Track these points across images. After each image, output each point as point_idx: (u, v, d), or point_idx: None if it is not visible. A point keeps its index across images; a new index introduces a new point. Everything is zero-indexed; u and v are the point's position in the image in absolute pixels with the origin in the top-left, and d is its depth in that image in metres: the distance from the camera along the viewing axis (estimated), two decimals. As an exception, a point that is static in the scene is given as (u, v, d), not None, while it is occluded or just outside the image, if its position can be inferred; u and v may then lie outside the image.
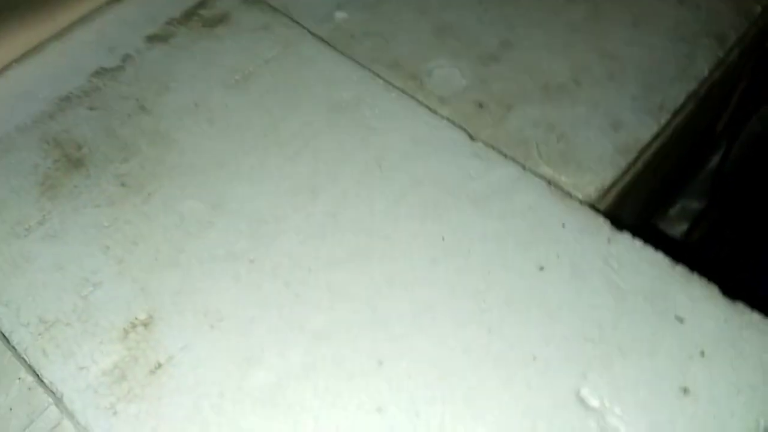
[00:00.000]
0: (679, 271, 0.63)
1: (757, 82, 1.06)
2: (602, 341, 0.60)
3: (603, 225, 0.66)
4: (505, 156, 0.71)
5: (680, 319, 0.60)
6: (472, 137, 0.72)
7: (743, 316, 0.60)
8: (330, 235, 0.66)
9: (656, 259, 0.64)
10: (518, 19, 0.86)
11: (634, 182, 0.76)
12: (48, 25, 0.79)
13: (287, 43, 0.79)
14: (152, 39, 0.80)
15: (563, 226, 0.66)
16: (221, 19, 0.82)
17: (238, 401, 0.58)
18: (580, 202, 0.68)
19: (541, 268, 0.64)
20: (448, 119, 0.73)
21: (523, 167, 0.70)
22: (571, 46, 0.83)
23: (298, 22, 0.82)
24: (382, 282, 0.63)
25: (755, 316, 0.60)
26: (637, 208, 0.89)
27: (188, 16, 0.82)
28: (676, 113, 0.78)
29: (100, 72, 0.78)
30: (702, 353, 0.59)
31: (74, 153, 0.72)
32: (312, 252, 0.65)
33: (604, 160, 0.73)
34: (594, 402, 0.57)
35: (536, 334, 0.60)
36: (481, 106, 0.77)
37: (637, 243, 0.65)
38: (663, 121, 0.76)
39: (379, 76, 0.77)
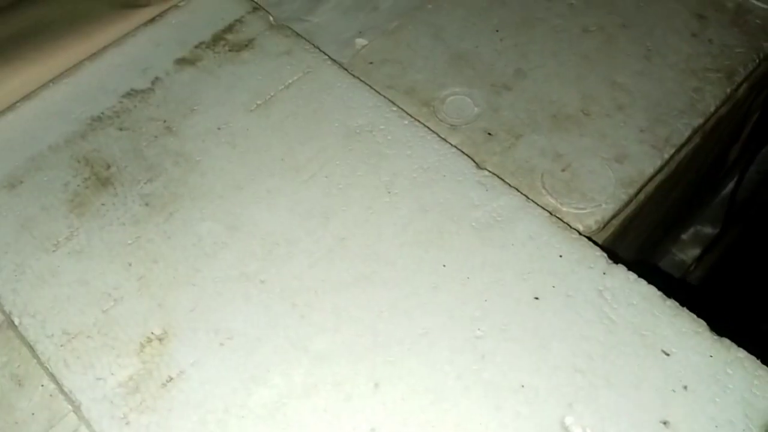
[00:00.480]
0: (669, 305, 0.65)
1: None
2: (590, 372, 0.62)
3: (599, 257, 0.68)
4: (509, 185, 0.73)
5: (667, 353, 0.62)
6: (478, 165, 0.75)
7: (729, 352, 0.62)
8: (338, 259, 0.70)
9: (648, 292, 0.66)
10: (533, 48, 0.88)
11: (636, 214, 0.77)
12: (83, 46, 0.83)
13: (308, 68, 0.83)
14: (181, 62, 0.84)
15: (561, 257, 0.68)
16: (247, 44, 0.85)
17: (241, 417, 0.62)
18: (579, 233, 0.70)
19: (537, 298, 0.66)
20: (456, 147, 0.76)
21: (527, 197, 0.72)
22: (583, 76, 0.85)
23: (318, 48, 0.85)
24: (385, 306, 0.67)
25: (740, 353, 0.62)
26: (642, 237, 0.91)
27: (216, 40, 0.86)
28: (681, 147, 0.79)
29: (131, 93, 0.82)
30: (685, 387, 0.61)
31: (103, 172, 0.76)
32: (320, 275, 0.69)
33: (607, 192, 0.75)
34: (577, 431, 0.59)
35: (527, 363, 0.63)
36: (490, 134, 0.80)
37: (631, 276, 0.67)
38: (667, 155, 0.78)
39: (393, 103, 0.80)
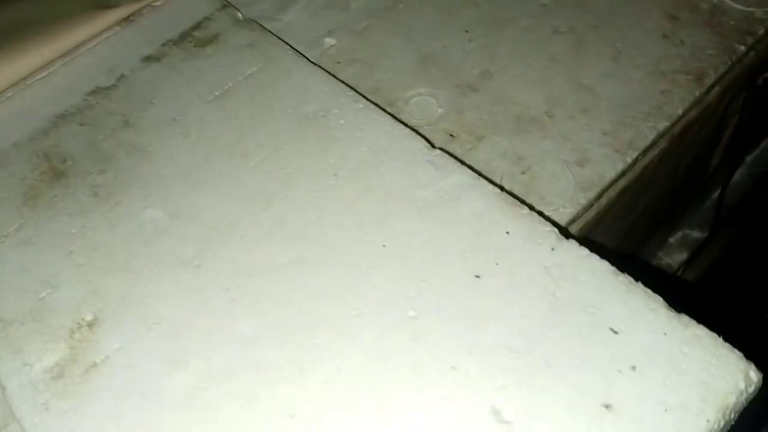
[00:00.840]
0: (622, 280, 0.59)
1: (750, 117, 0.99)
2: (528, 353, 0.57)
3: (549, 233, 0.63)
4: (462, 163, 0.69)
5: (615, 331, 0.56)
6: (432, 145, 0.71)
7: (686, 329, 0.56)
8: (275, 241, 0.67)
9: (600, 268, 0.60)
10: (501, 49, 0.84)
11: (599, 219, 0.73)
12: (54, 47, 0.84)
13: (269, 59, 0.81)
14: (147, 59, 0.84)
15: (507, 233, 0.63)
16: (212, 39, 0.84)
17: (157, 402, 0.59)
18: (531, 208, 0.65)
19: (478, 276, 0.61)
20: (411, 128, 0.73)
21: (479, 174, 0.68)
22: (549, 78, 0.81)
23: (282, 39, 0.83)
24: (317, 289, 0.63)
25: (700, 331, 0.55)
26: (612, 242, 0.86)
27: (183, 37, 0.85)
28: (645, 151, 0.75)
29: (96, 91, 0.82)
30: (633, 368, 0.54)
31: (59, 165, 0.76)
32: (255, 258, 0.66)
33: (565, 196, 0.71)
34: (509, 415, 0.54)
35: (460, 344, 0.58)
36: (452, 135, 0.77)
37: (583, 251, 0.61)
38: (630, 159, 0.74)
39: (350, 87, 0.77)
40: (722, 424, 0.52)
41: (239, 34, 0.85)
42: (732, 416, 0.53)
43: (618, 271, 0.59)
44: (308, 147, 0.73)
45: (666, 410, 0.52)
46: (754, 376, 0.53)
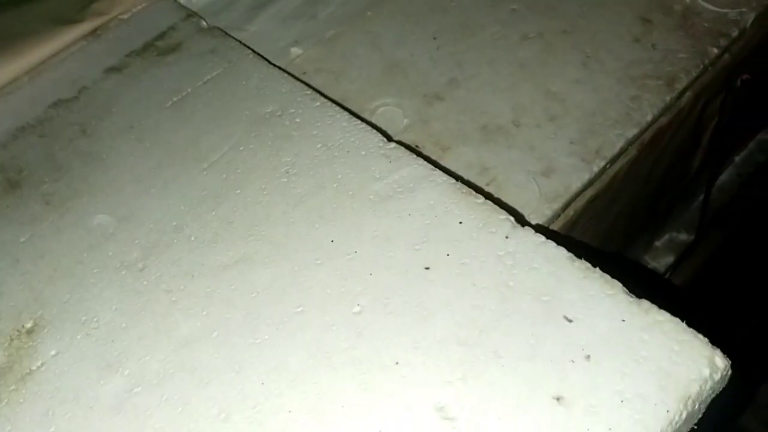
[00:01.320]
0: (578, 266, 0.55)
1: (732, 118, 0.96)
2: (477, 345, 0.52)
3: (504, 221, 0.59)
4: (417, 154, 0.66)
5: (570, 319, 0.52)
6: (389, 138, 0.68)
7: (646, 315, 0.51)
8: (222, 242, 0.64)
9: (555, 254, 0.56)
10: (469, 56, 0.82)
11: (568, 229, 0.71)
12: (19, 63, 0.83)
13: (229, 63, 0.79)
14: (110, 71, 0.82)
15: (461, 223, 0.59)
16: (174, 48, 0.83)
17: (89, 408, 0.56)
18: (486, 197, 0.61)
19: (427, 268, 0.57)
20: (368, 123, 0.70)
21: (434, 166, 0.64)
22: (517, 86, 0.78)
23: (243, 44, 0.82)
24: (261, 287, 0.60)
25: (661, 316, 0.51)
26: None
27: (147, 47, 0.84)
28: (613, 160, 0.72)
29: (57, 103, 0.81)
30: (588, 357, 0.50)
31: (15, 176, 0.74)
32: (200, 259, 0.63)
33: (530, 207, 0.68)
34: (453, 411, 0.50)
35: (406, 339, 0.54)
36: (417, 146, 0.74)
37: (539, 239, 0.57)
38: (597, 168, 0.71)
39: (309, 86, 0.75)
40: (684, 415, 0.47)
41: (202, 41, 0.83)
42: (697, 407, 0.48)
43: (575, 257, 0.55)
44: (263, 147, 0.70)
45: (622, 401, 0.48)
46: (720, 362, 0.48)
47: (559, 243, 0.57)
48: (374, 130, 0.69)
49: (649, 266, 1.09)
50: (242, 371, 0.55)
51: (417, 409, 0.50)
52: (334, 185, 0.65)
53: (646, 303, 0.52)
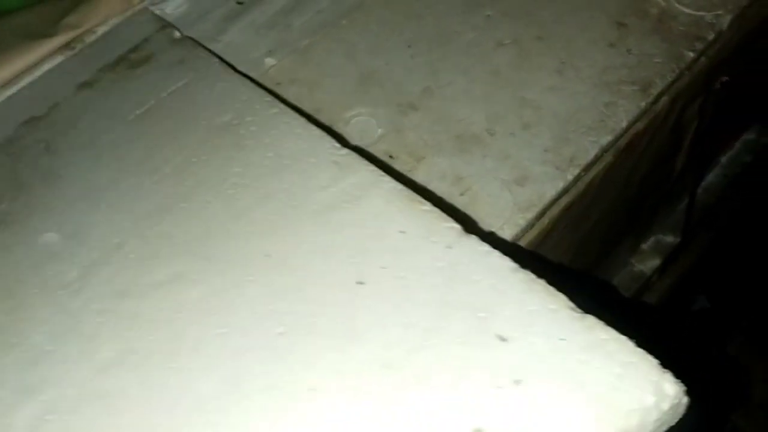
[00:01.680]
0: (522, 278, 0.48)
1: (713, 121, 0.90)
2: (401, 369, 0.47)
3: (449, 229, 0.53)
4: (368, 160, 0.60)
5: (504, 338, 0.45)
6: (344, 144, 0.63)
7: (590, 333, 0.44)
8: (159, 258, 0.60)
9: (498, 265, 0.50)
10: (444, 64, 0.78)
11: (542, 239, 0.67)
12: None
13: (195, 73, 0.76)
14: (82, 86, 0.80)
15: (402, 232, 0.54)
16: (145, 60, 0.80)
17: (0, 435, 0.52)
18: (434, 202, 0.55)
19: (361, 283, 0.52)
20: (322, 127, 0.65)
21: (383, 172, 0.59)
22: (492, 94, 0.75)
23: (213, 53, 0.78)
24: (190, 306, 0.55)
25: (606, 334, 0.44)
26: (565, 258, 0.78)
27: (119, 61, 0.81)
28: (587, 167, 0.69)
29: (29, 121, 0.79)
30: (517, 382, 0.43)
31: (-22, 196, 0.73)
32: (134, 278, 0.59)
33: (503, 217, 0.65)
34: (366, 445, 0.44)
35: (328, 362, 0.49)
36: (392, 157, 0.71)
37: (483, 248, 0.51)
38: (571, 176, 0.68)
39: (270, 92, 0.70)
40: (625, 451, 0.40)
41: (172, 52, 0.80)
42: (644, 442, 0.41)
43: (519, 268, 0.49)
44: (216, 157, 0.66)
45: (552, 434, 0.41)
46: (670, 389, 0.41)
47: (516, 254, 0.51)
48: (327, 136, 0.64)
49: (635, 269, 1.03)
50: (152, 399, 0.50)
51: (329, 441, 0.45)
52: (280, 196, 0.60)
53: (591, 319, 0.45)
